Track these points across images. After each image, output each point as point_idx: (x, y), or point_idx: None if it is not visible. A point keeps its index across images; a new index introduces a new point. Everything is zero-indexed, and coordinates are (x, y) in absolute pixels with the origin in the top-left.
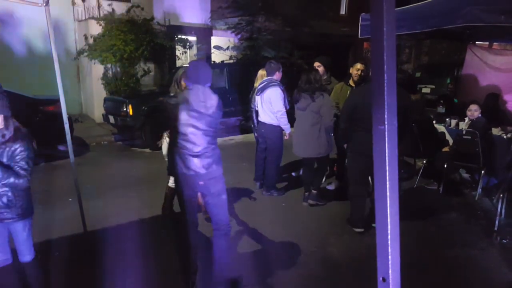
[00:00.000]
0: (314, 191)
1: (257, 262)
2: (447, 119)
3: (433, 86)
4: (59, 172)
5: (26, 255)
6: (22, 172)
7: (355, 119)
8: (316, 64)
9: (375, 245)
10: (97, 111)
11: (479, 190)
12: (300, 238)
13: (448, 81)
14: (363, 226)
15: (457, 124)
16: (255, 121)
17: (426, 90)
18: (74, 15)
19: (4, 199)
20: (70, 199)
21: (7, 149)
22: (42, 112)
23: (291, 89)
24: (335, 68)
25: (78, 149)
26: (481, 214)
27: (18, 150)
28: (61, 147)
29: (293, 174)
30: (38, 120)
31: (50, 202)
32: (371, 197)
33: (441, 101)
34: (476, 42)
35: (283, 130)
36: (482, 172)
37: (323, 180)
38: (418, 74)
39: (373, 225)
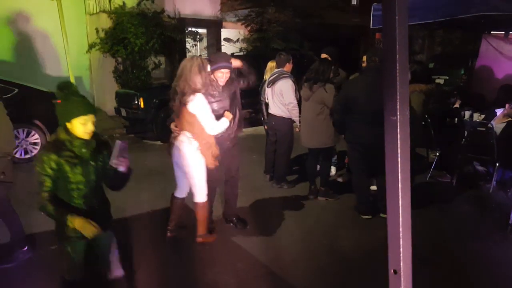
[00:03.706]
0: (322, 188)
1: (266, 255)
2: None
3: (447, 77)
4: None
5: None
6: None
7: (351, 110)
8: (323, 55)
9: (386, 237)
10: (109, 104)
11: (494, 182)
12: (310, 230)
13: (462, 72)
14: (371, 213)
15: (471, 116)
16: (265, 113)
17: (439, 81)
18: (85, 9)
19: None
20: None
21: None
22: (56, 106)
23: (302, 80)
24: (346, 59)
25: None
26: (495, 207)
27: None
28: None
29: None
30: (52, 114)
31: None
32: (378, 183)
33: (455, 92)
34: (492, 32)
35: (294, 122)
36: (497, 164)
37: (334, 172)
38: (431, 65)
39: (382, 215)
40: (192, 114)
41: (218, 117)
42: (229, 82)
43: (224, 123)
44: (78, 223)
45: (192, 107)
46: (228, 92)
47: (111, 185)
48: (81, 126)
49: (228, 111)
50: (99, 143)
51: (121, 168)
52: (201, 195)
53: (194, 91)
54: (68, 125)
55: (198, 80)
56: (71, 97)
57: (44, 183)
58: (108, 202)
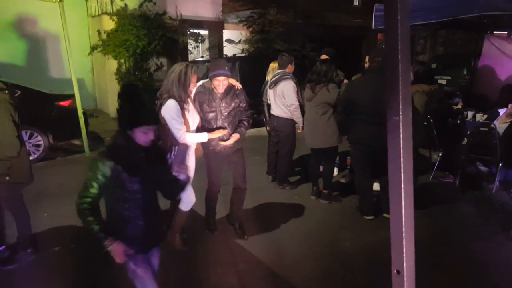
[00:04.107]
0: (325, 191)
1: (269, 256)
2: (465, 112)
3: (449, 77)
4: (74, 166)
5: None
6: None
7: (354, 111)
8: (323, 57)
9: (389, 238)
10: (112, 106)
11: (497, 183)
12: (313, 231)
13: (465, 72)
14: (373, 214)
15: (474, 116)
16: (267, 114)
17: (442, 81)
18: (87, 11)
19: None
20: None
21: None
22: (58, 108)
23: (304, 81)
24: (348, 60)
25: (93, 143)
26: (499, 208)
27: None
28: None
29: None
30: (54, 115)
31: (66, 196)
32: (381, 184)
33: (458, 92)
34: (494, 32)
35: (296, 123)
36: (500, 164)
37: (336, 173)
38: (433, 65)
39: (385, 215)
40: (162, 117)
41: (209, 128)
42: (233, 96)
43: (200, 137)
44: (113, 247)
45: (163, 111)
46: (227, 107)
47: (167, 193)
48: (143, 135)
49: (223, 128)
50: (157, 150)
51: (182, 176)
52: (183, 203)
53: (169, 96)
54: (129, 132)
55: (174, 87)
56: (137, 105)
57: (90, 188)
58: (161, 213)
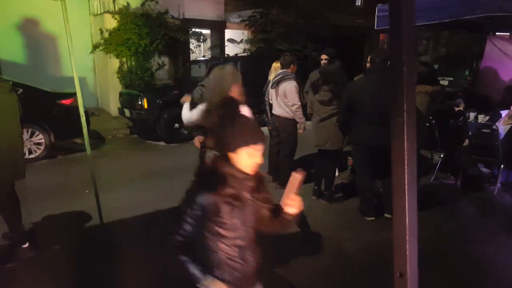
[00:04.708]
0: (325, 192)
1: (269, 256)
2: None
3: (451, 78)
4: (76, 164)
5: None
6: None
7: (355, 111)
8: (323, 57)
9: (390, 238)
10: (113, 105)
11: (498, 184)
12: (313, 232)
13: (467, 73)
14: (374, 215)
15: (476, 118)
16: (269, 114)
17: (444, 82)
18: (89, 10)
19: None
20: (86, 191)
21: None
22: (60, 106)
23: (305, 82)
24: (350, 61)
25: (94, 142)
26: (500, 209)
27: None
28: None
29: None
30: (55, 114)
31: (67, 194)
32: (382, 185)
33: (460, 93)
34: (497, 33)
35: (298, 123)
36: (502, 166)
37: (337, 174)
38: (436, 66)
39: (386, 215)
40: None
41: None
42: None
43: None
44: None
45: None
46: None
47: (271, 230)
48: (249, 158)
49: None
50: (257, 178)
51: (292, 210)
52: None
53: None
54: (231, 155)
55: (237, 91)
56: (240, 120)
57: (185, 225)
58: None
